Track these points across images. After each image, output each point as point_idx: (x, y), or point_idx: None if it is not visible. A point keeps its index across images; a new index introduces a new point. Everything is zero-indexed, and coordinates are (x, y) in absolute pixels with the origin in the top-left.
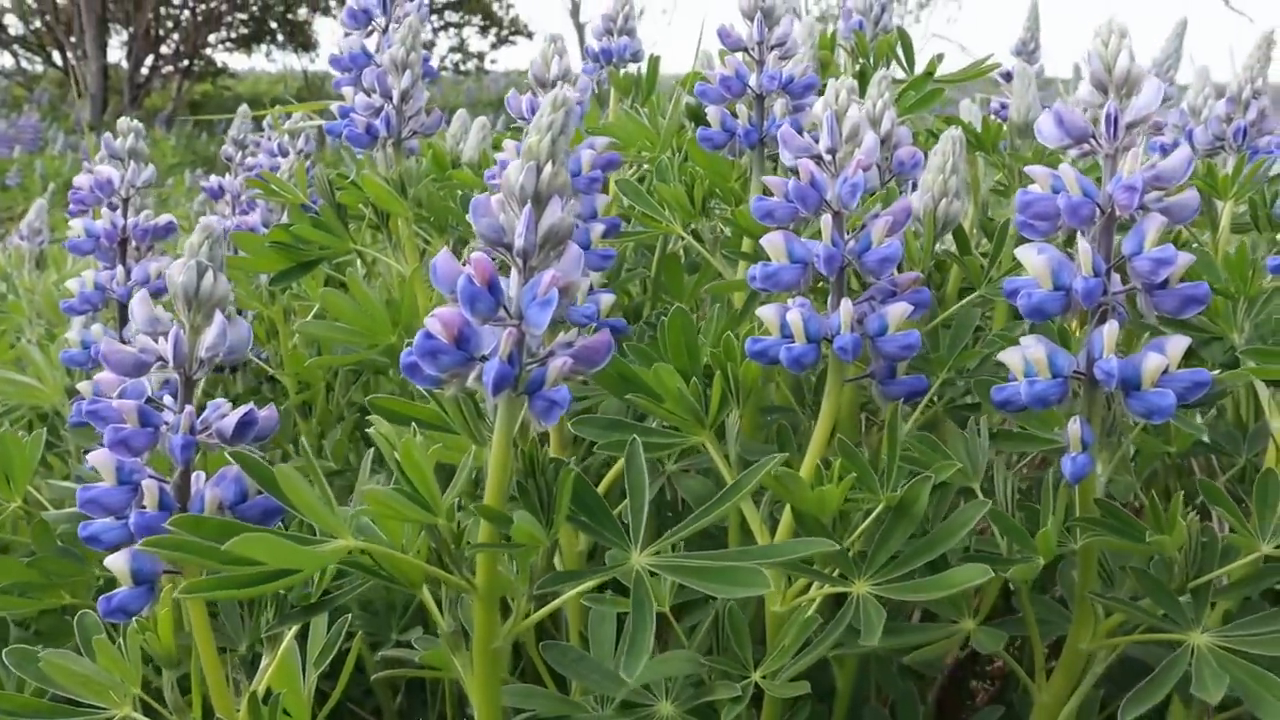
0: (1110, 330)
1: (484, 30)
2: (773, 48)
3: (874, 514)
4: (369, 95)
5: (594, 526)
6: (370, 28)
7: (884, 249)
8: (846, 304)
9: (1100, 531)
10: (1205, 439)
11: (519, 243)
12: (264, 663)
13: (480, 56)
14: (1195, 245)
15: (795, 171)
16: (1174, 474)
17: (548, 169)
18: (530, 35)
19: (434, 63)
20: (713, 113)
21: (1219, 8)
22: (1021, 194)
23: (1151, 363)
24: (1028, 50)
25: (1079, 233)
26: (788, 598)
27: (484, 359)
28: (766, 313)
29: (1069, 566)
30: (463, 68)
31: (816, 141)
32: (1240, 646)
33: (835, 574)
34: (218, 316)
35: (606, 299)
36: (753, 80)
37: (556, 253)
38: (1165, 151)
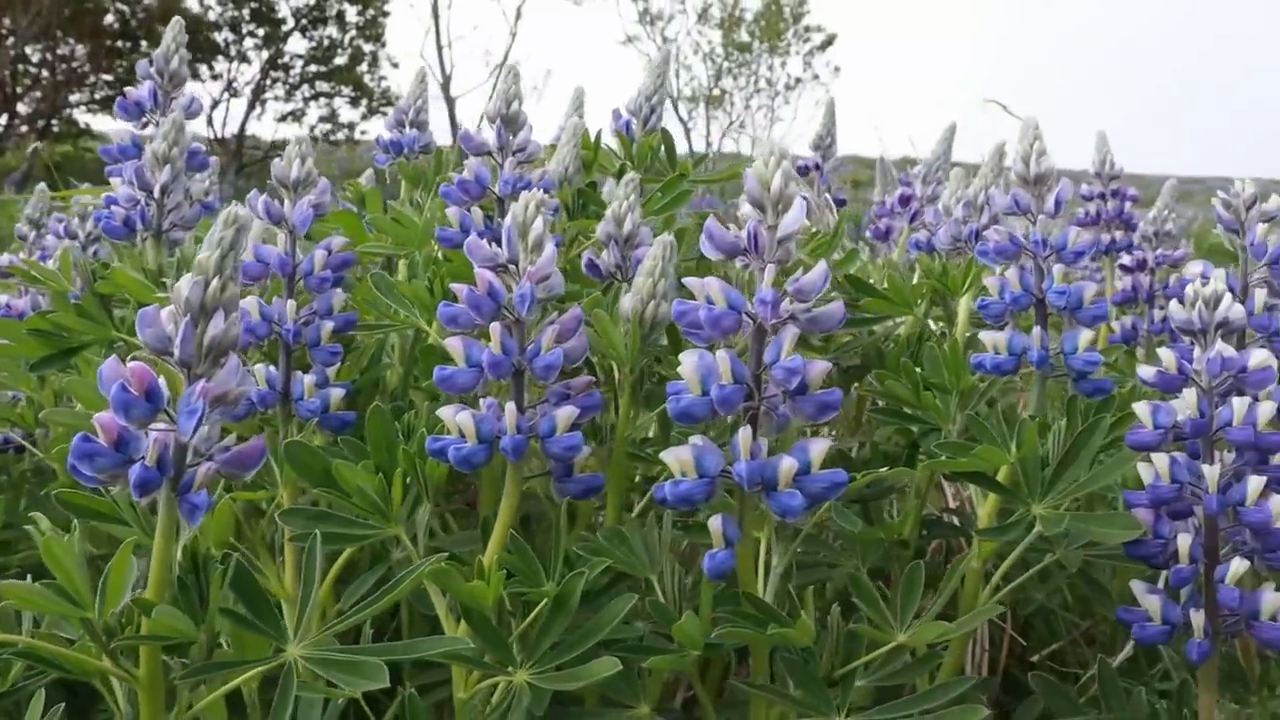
0: (745, 435)
1: (354, 101)
2: (515, 152)
3: (538, 607)
4: (131, 188)
5: (251, 620)
6: (145, 119)
7: (549, 356)
8: (511, 408)
9: (735, 624)
10: (855, 531)
11: (177, 353)
12: None
13: (351, 127)
14: (931, 341)
15: None
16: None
17: (214, 283)
18: None
19: (304, 132)
20: (451, 213)
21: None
22: (676, 304)
23: (785, 465)
24: (824, 145)
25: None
26: (469, 684)
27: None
28: (443, 413)
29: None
30: (333, 138)
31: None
32: None
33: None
34: None
35: (336, 394)
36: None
37: (220, 363)
38: (925, 248)
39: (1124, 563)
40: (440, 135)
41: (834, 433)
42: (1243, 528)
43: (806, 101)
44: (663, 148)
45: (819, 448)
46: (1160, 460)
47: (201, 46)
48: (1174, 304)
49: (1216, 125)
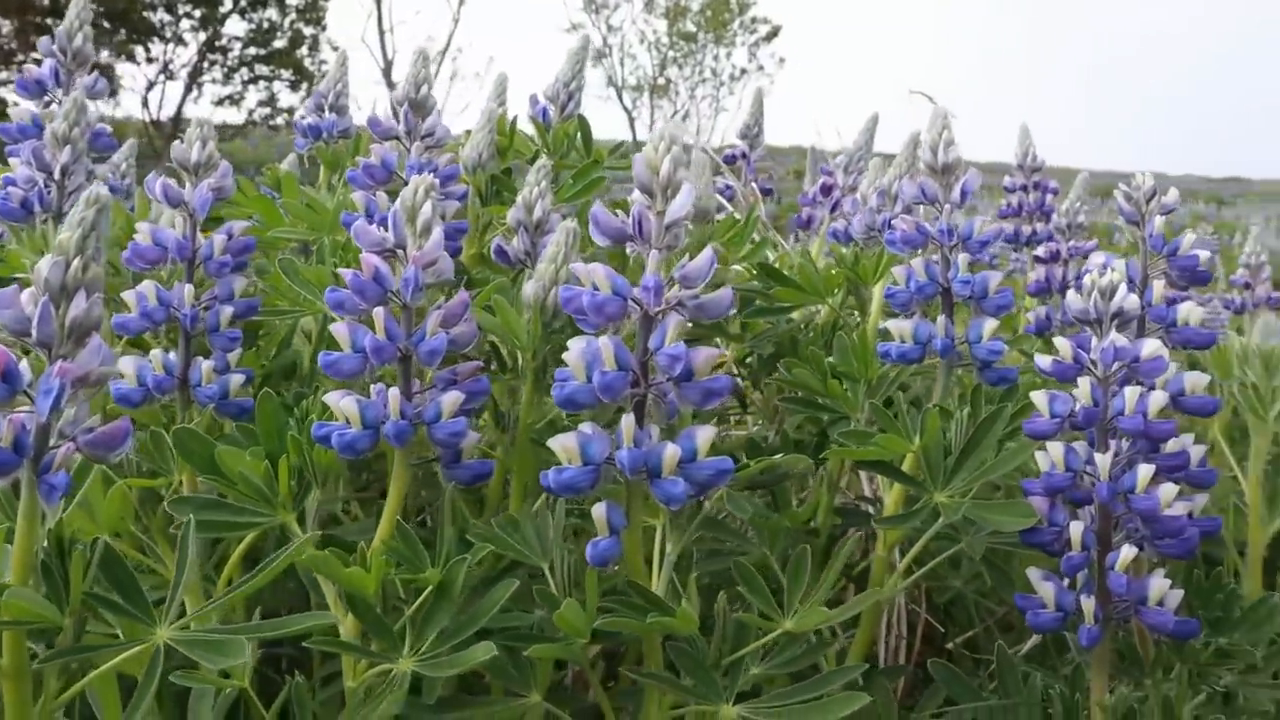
0: (628, 422)
1: (294, 85)
2: (423, 137)
3: (424, 593)
4: (29, 168)
5: (122, 605)
6: (48, 98)
7: (434, 341)
8: (394, 393)
9: (619, 612)
10: (746, 517)
11: (35, 334)
12: None
13: (290, 111)
14: (843, 329)
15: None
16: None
17: (75, 264)
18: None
19: (241, 117)
20: (357, 197)
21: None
22: (563, 290)
23: (668, 453)
24: (751, 135)
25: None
26: (358, 673)
27: None
28: (329, 399)
29: None
30: (272, 122)
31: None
32: (765, 717)
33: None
34: None
35: (235, 380)
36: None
37: (82, 343)
38: (842, 237)
39: (1025, 550)
40: None
41: (757, 421)
42: (1135, 515)
43: (751, 92)
44: (579, 134)
45: (705, 434)
46: (1055, 449)
47: (137, 27)
48: (1070, 294)
49: (1144, 122)
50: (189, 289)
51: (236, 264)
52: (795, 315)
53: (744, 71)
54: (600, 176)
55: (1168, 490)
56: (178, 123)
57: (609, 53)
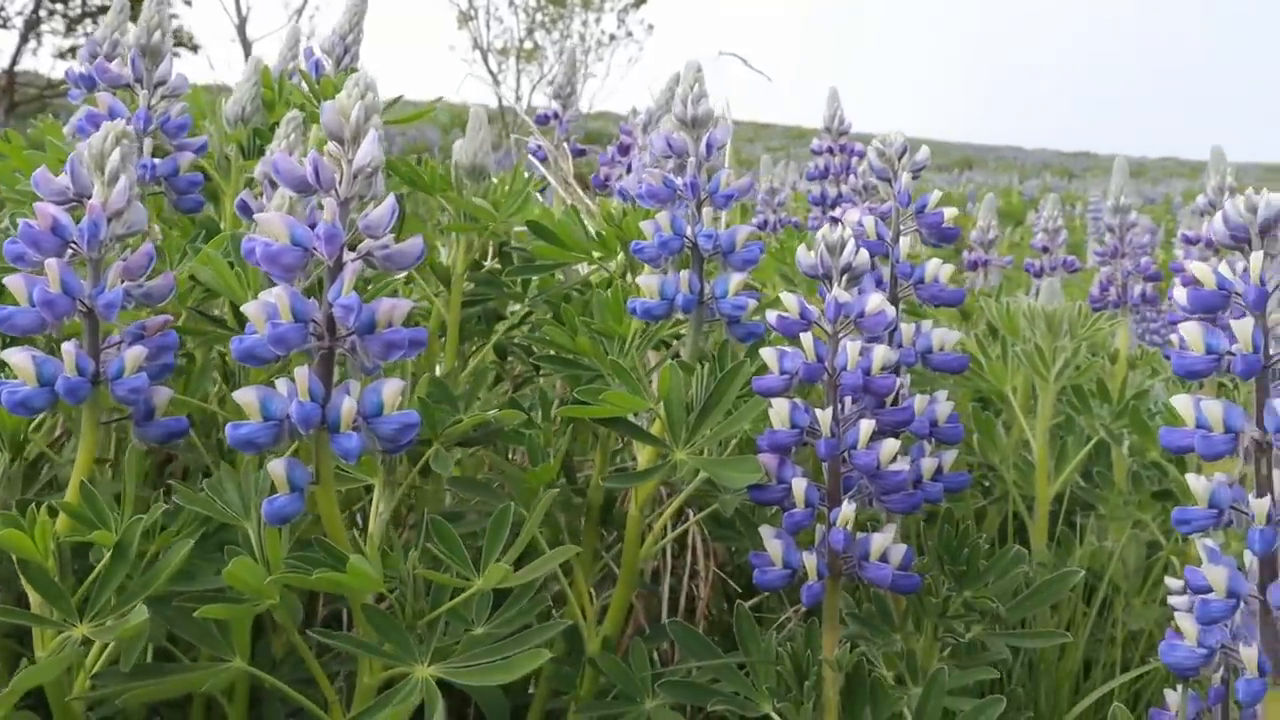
0: (300, 375)
1: None
2: (156, 85)
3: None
4: None
5: None
6: None
7: (111, 295)
8: (69, 348)
9: (297, 570)
10: (447, 475)
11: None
12: None
13: None
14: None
15: None
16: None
17: None
18: (196, 49)
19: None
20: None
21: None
22: (245, 241)
23: (345, 406)
24: (564, 95)
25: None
26: (47, 643)
27: None
28: (6, 355)
29: None
30: None
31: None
32: (459, 677)
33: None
34: None
35: None
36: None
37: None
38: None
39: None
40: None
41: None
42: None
43: (620, 59)
44: None
45: (391, 388)
46: (780, 405)
47: None
48: (800, 249)
49: (1004, 98)
50: None
51: None
52: (559, 274)
53: (613, 38)
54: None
55: (888, 446)
56: (12, 76)
57: (475, 15)
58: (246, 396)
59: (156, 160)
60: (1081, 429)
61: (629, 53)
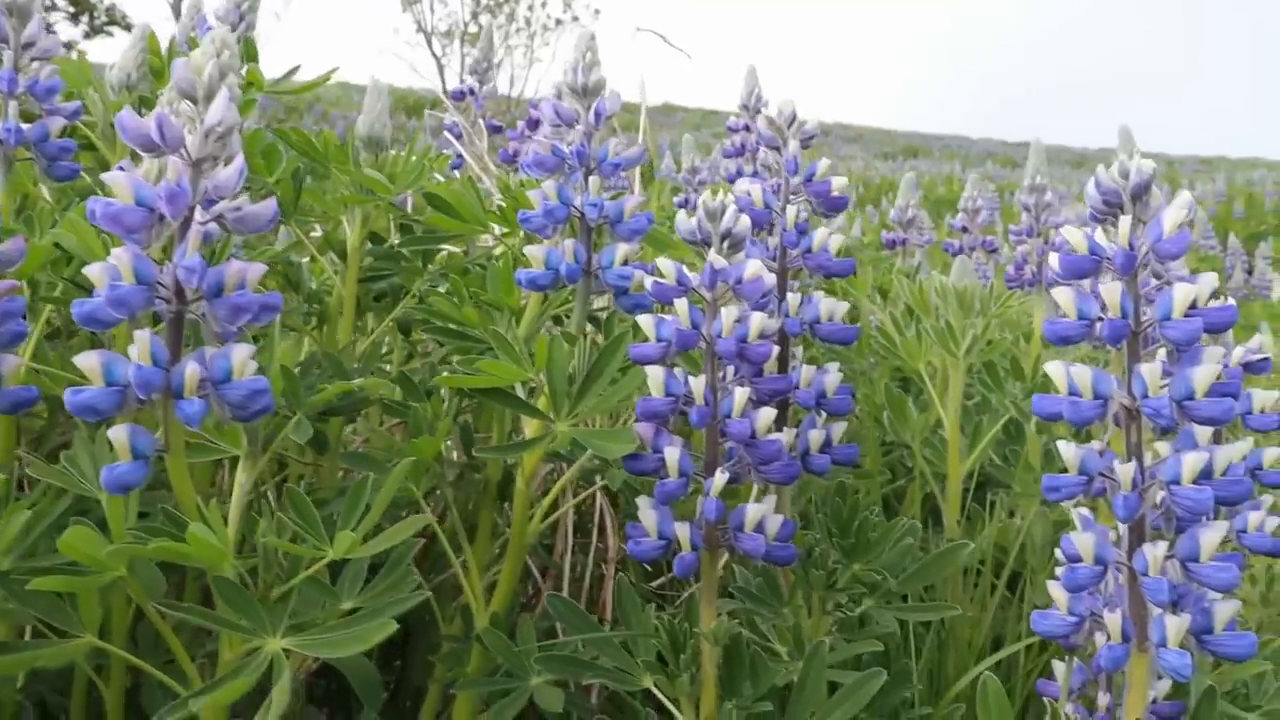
0: (140, 339)
1: (74, 17)
2: (25, 47)
3: None
4: None
5: None
6: None
7: None
8: None
9: (137, 541)
10: (301, 441)
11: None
12: None
13: (70, 46)
14: (491, 260)
15: None
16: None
17: None
18: (129, 26)
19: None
20: None
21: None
22: (90, 202)
23: (189, 371)
24: (481, 70)
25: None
26: None
27: None
28: None
29: None
30: None
31: None
32: (311, 649)
33: None
34: None
35: None
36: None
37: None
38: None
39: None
40: None
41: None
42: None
43: (566, 43)
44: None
45: (240, 353)
46: (655, 373)
47: None
48: (680, 215)
49: (954, 92)
50: None
51: None
52: (453, 246)
53: (559, 22)
54: (253, 100)
55: (765, 415)
56: None
57: None
58: (88, 360)
59: (26, 126)
60: (996, 407)
61: (575, 38)
